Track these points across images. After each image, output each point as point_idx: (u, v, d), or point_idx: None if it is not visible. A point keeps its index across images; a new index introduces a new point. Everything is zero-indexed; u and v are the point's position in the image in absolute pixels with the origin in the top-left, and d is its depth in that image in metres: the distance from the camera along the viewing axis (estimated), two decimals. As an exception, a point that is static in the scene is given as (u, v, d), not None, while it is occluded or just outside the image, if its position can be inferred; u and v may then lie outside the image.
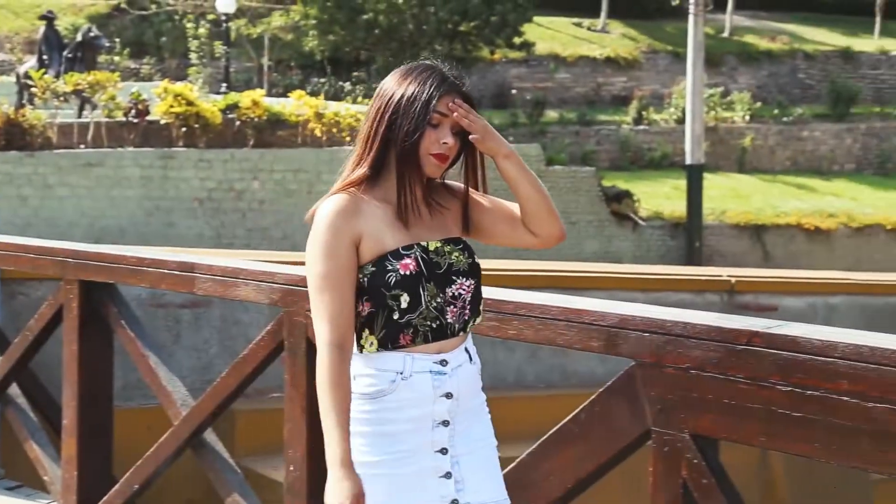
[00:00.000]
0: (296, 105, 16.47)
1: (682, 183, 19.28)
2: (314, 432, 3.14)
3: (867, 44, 29.23)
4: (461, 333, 2.18)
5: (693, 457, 2.31)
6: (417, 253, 2.12)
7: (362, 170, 2.15)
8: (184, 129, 15.34)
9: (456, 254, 2.18)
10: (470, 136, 2.15)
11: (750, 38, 28.75)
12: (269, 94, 18.95)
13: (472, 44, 21.01)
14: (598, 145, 22.76)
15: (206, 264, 3.52)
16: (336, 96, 19.85)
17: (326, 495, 2.08)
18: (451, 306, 2.15)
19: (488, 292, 2.62)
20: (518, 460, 2.61)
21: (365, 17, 19.89)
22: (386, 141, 2.14)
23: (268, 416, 4.28)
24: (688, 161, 18.66)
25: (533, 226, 2.23)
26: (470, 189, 2.24)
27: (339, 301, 2.09)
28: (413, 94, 2.13)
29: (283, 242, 15.35)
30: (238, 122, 15.77)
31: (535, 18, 24.78)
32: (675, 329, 2.32)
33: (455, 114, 2.13)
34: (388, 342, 2.12)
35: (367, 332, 2.14)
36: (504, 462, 2.38)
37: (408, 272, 2.10)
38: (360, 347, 2.15)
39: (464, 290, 2.17)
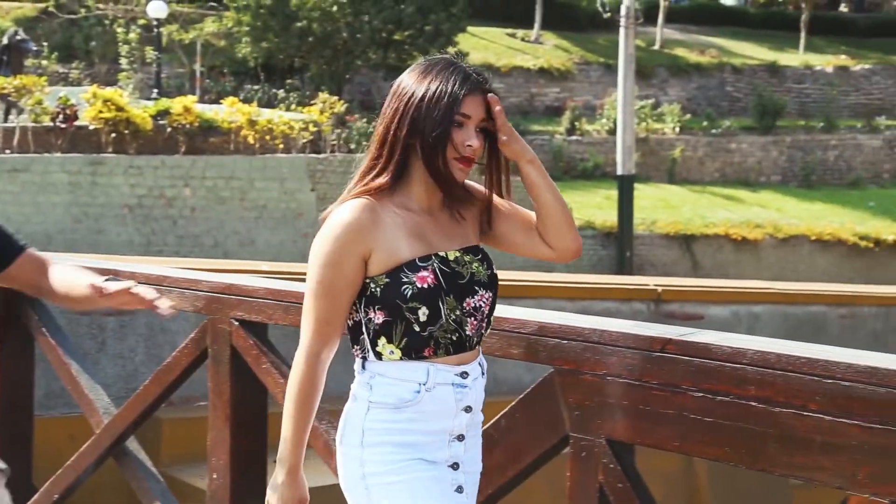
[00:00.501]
0: (228, 112, 16.36)
1: (614, 193, 19.54)
2: (237, 440, 3.13)
3: (792, 58, 29.93)
4: (477, 346, 2.14)
5: (609, 461, 2.36)
6: (435, 264, 2.04)
7: (384, 178, 2.06)
8: (113, 134, 15.13)
9: (476, 264, 2.11)
10: (499, 139, 2.08)
11: (680, 52, 29.25)
12: (202, 101, 18.78)
13: (407, 53, 21.04)
14: (531, 155, 22.95)
15: (129, 271, 3.49)
16: (269, 103, 19.73)
17: (269, 497, 2.08)
18: (472, 318, 2.08)
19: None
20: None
21: (299, 24, 19.80)
22: (406, 145, 2.04)
23: (193, 424, 4.25)
24: (619, 171, 18.92)
25: (550, 237, 2.18)
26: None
27: (329, 310, 2.04)
28: (436, 92, 2.01)
29: (215, 250, 15.21)
30: (169, 129, 15.60)
31: (469, 28, 24.93)
32: (592, 336, 2.37)
33: (496, 108, 2.04)
34: (412, 352, 2.05)
35: (383, 340, 2.06)
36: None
37: (425, 285, 2.02)
38: (378, 355, 2.07)
39: (483, 302, 2.10)
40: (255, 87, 20.88)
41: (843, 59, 30.12)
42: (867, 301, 9.36)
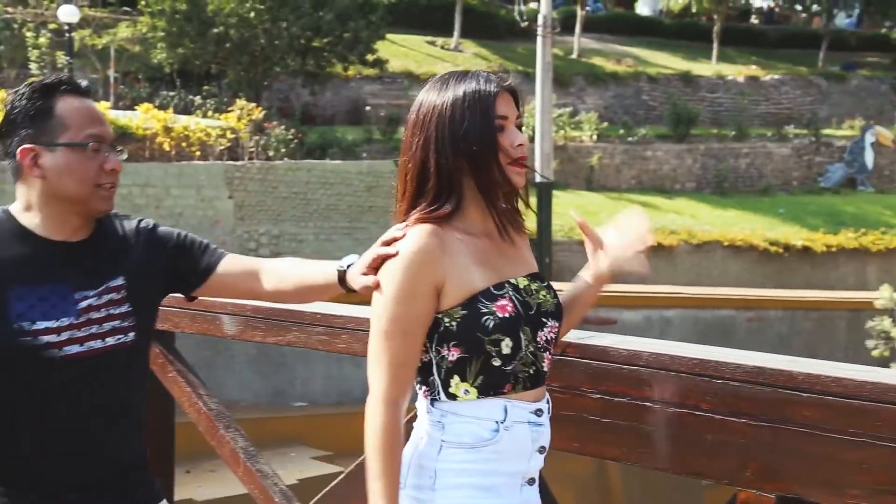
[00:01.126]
0: (143, 118, 16.11)
1: (533, 200, 19.66)
2: (146, 449, 3.10)
3: (705, 68, 30.61)
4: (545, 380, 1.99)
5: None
6: (510, 292, 1.88)
7: (446, 208, 1.88)
8: (23, 141, 14.76)
9: (543, 292, 1.96)
10: (598, 259, 2.10)
11: (597, 61, 29.70)
12: (116, 107, 18.45)
13: (326, 60, 20.95)
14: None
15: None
16: (186, 110, 19.48)
17: None
18: (546, 352, 1.95)
19: (317, 306, 2.67)
20: (338, 479, 2.66)
21: (215, 30, 19.60)
22: (454, 169, 1.88)
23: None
24: (537, 179, 19.11)
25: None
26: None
27: (405, 352, 1.85)
28: (466, 103, 1.88)
29: (130, 259, 14.94)
30: (82, 135, 15.27)
31: (389, 36, 24.97)
32: (495, 341, 2.42)
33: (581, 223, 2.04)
34: (489, 390, 1.88)
35: (456, 379, 1.88)
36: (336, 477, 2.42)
37: (506, 314, 1.86)
38: (451, 396, 1.89)
39: (553, 334, 1.95)
40: (171, 93, 20.60)
41: (753, 70, 30.91)
42: (774, 305, 9.66)
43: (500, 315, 1.84)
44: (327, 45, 20.64)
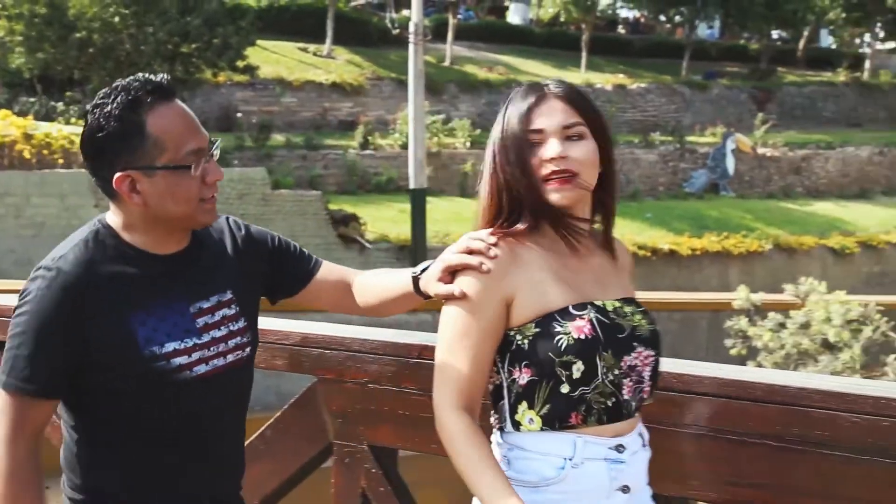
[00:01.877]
0: (1, 125, 15.51)
1: (408, 206, 19.80)
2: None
3: (575, 76, 31.27)
4: (636, 414, 1.83)
5: (371, 466, 2.42)
6: (592, 314, 1.76)
7: (521, 225, 1.81)
8: None
9: (638, 316, 1.82)
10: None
11: (469, 68, 30.02)
12: (-29, 113, 17.72)
13: (194, 66, 20.56)
14: (325, 169, 22.94)
15: None
16: (48, 116, 18.84)
17: None
18: (628, 379, 1.77)
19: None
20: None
21: (78, 35, 19.01)
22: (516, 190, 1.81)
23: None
24: (412, 185, 19.19)
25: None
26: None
27: (474, 367, 1.76)
28: (506, 120, 1.84)
29: (-11, 270, 14.34)
30: (-65, 142, 14.63)
31: (260, 42, 24.68)
32: (353, 345, 2.43)
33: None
34: (555, 420, 1.75)
35: (524, 405, 1.77)
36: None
37: (582, 336, 1.73)
38: (515, 424, 1.78)
39: (640, 361, 1.79)
40: (32, 99, 19.88)
41: (621, 78, 31.75)
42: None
43: (576, 336, 1.73)
44: (196, 50, 20.26)
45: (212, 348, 1.88)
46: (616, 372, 1.75)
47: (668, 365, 2.13)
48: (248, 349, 1.96)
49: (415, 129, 18.78)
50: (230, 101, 24.38)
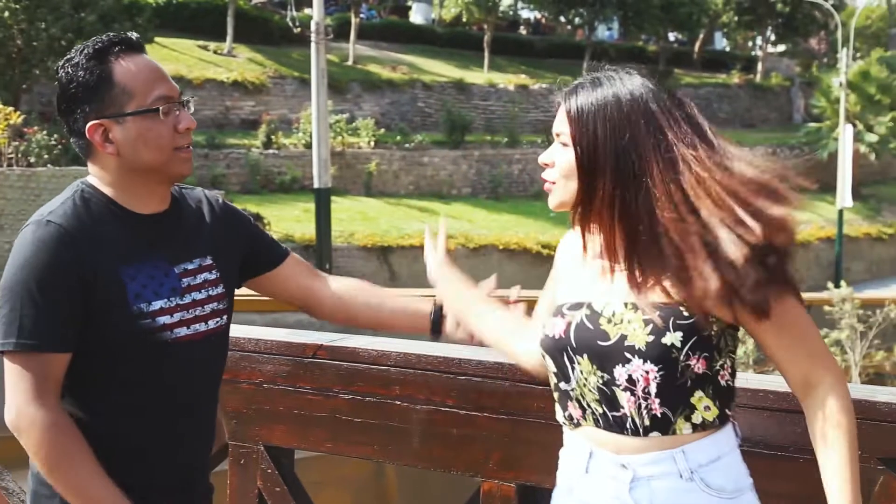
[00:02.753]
0: None
1: (313, 206, 19.68)
2: None
3: (478, 76, 31.50)
4: (653, 434, 1.65)
5: (267, 467, 2.42)
6: (581, 315, 1.70)
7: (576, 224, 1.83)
8: None
9: (637, 325, 1.65)
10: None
11: (373, 67, 29.95)
12: None
13: (53, 65, 20.02)
14: (227, 168, 22.64)
15: None
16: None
17: None
18: (627, 393, 1.64)
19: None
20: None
21: (-34, 29, 18.38)
22: None
23: None
24: (316, 185, 19.07)
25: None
26: None
27: None
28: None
29: None
30: None
31: (158, 39, 24.21)
32: (248, 346, 2.42)
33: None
34: (562, 412, 1.76)
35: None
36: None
37: (552, 335, 1.71)
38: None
39: (640, 375, 1.63)
40: (-81, 94, 19.14)
41: (523, 79, 32.08)
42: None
43: (548, 333, 1.72)
44: (91, 47, 19.73)
45: (191, 311, 1.87)
46: (608, 379, 1.64)
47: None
48: (224, 317, 1.95)
49: (318, 129, 18.67)
50: (128, 99, 23.85)
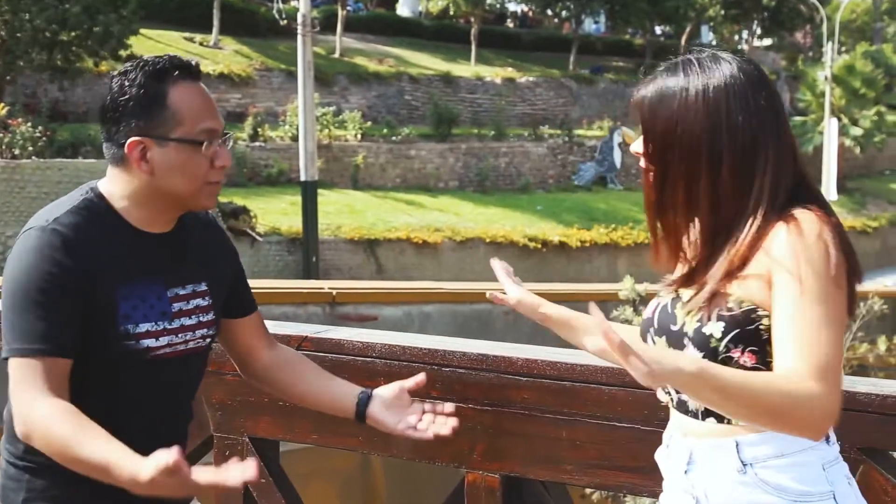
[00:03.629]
0: None
1: (299, 199, 19.67)
2: None
3: (465, 69, 31.48)
4: (709, 420, 1.66)
5: (252, 458, 2.42)
6: (660, 301, 1.76)
7: None
8: None
9: (688, 312, 1.69)
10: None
11: (359, 60, 29.90)
12: None
13: (74, 54, 19.94)
14: (213, 161, 22.60)
15: None
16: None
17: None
18: None
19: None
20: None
21: (-51, 20, 18.27)
22: None
23: None
24: (302, 178, 19.05)
25: None
26: None
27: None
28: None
29: None
30: None
31: (144, 31, 24.10)
32: (233, 338, 2.42)
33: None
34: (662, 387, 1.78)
35: None
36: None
37: (645, 316, 1.78)
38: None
39: None
40: None
41: (510, 72, 32.09)
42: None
43: (644, 315, 1.77)
44: (76, 39, 19.65)
45: (179, 335, 1.88)
46: None
47: (541, 353, 2.19)
48: (209, 340, 1.98)
49: (305, 121, 18.64)
50: (114, 91, 23.76)
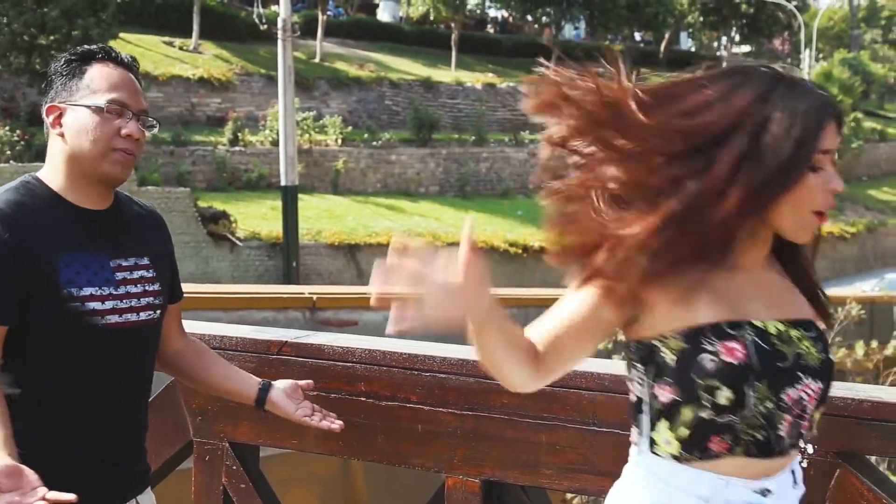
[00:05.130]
0: None
1: (279, 203, 19.63)
2: None
3: (445, 75, 31.53)
4: (792, 451, 1.56)
5: (232, 463, 2.42)
6: (749, 335, 1.50)
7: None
8: None
9: (806, 343, 1.54)
10: None
11: (340, 65, 29.90)
12: None
13: (53, 58, 19.85)
14: (193, 166, 22.53)
15: None
16: None
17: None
18: (788, 415, 1.51)
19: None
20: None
21: (-74, 23, 18.15)
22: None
23: None
24: (283, 182, 19.02)
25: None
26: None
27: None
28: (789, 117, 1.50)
29: None
30: None
31: (123, 35, 24.03)
32: (213, 342, 2.42)
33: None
34: (695, 449, 1.52)
35: (664, 423, 1.54)
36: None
37: (732, 360, 1.48)
38: (653, 443, 1.56)
39: (807, 394, 1.52)
40: None
41: (490, 77, 32.16)
42: (510, 303, 10.15)
43: (725, 359, 1.48)
44: (54, 42, 19.57)
45: (125, 301, 1.99)
46: (769, 405, 1.49)
47: (522, 357, 2.20)
48: (159, 311, 2.07)
49: (285, 126, 18.62)
50: (93, 95, 23.68)
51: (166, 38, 27.81)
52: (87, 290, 1.93)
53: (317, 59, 29.48)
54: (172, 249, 2.20)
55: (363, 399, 2.29)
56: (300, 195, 20.02)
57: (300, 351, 2.35)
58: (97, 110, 1.98)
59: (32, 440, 1.89)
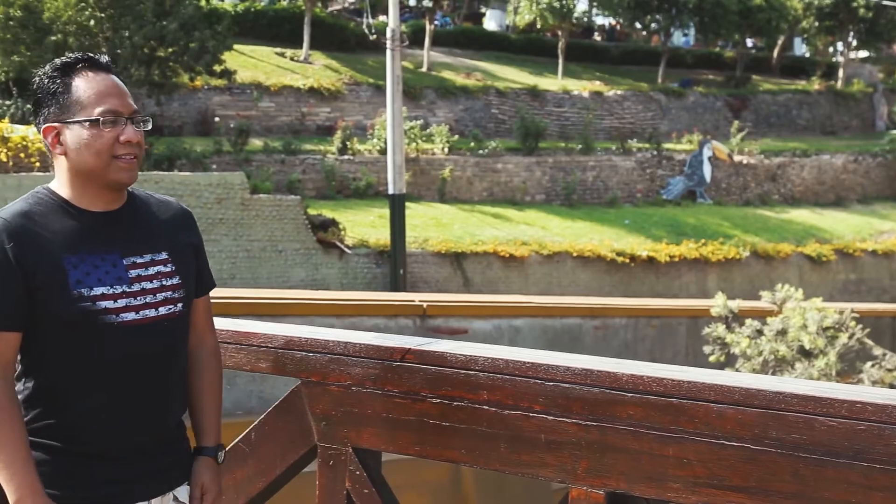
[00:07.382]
0: (-23, 128, 15.41)
1: (387, 212, 19.82)
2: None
3: (552, 83, 31.40)
4: None
5: (355, 469, 2.44)
6: None
7: None
8: None
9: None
10: None
11: (447, 74, 30.06)
12: (-54, 116, 17.57)
13: (171, 69, 20.48)
14: (303, 174, 22.92)
15: None
16: (24, 119, 18.72)
17: None
18: None
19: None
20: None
21: (53, 38, 18.90)
22: None
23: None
24: (390, 191, 19.20)
25: None
26: None
27: None
28: None
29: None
30: None
31: (237, 47, 24.64)
32: (336, 348, 2.45)
33: None
34: None
35: None
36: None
37: None
38: None
39: None
40: (7, 102, 19.75)
41: (597, 85, 31.89)
42: (618, 312, 10.04)
43: None
44: (172, 54, 20.19)
45: (139, 298, 2.02)
46: None
47: (647, 369, 2.17)
48: (180, 304, 2.10)
49: (393, 135, 18.80)
50: (207, 105, 24.32)
51: (278, 49, 28.41)
52: (99, 290, 1.98)
53: (424, 69, 29.71)
54: (199, 241, 2.22)
55: (486, 408, 2.29)
56: (407, 203, 20.17)
57: (423, 358, 2.36)
58: (92, 124, 2.03)
59: (56, 437, 1.95)
